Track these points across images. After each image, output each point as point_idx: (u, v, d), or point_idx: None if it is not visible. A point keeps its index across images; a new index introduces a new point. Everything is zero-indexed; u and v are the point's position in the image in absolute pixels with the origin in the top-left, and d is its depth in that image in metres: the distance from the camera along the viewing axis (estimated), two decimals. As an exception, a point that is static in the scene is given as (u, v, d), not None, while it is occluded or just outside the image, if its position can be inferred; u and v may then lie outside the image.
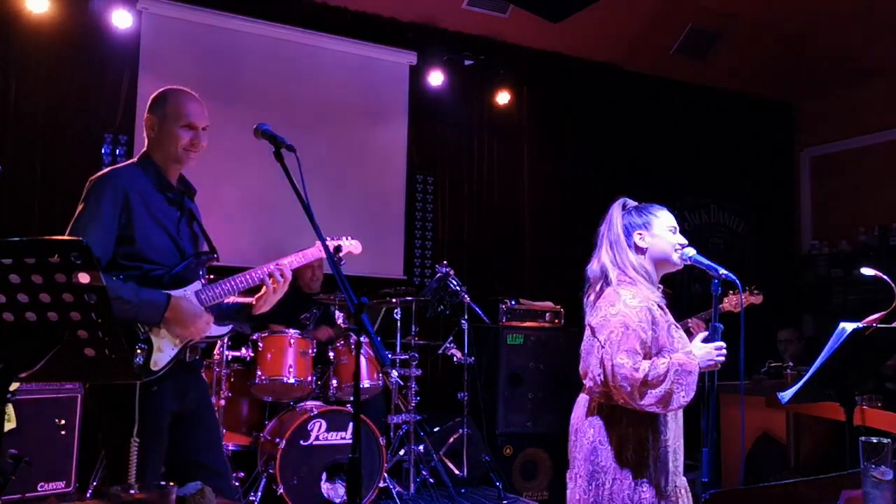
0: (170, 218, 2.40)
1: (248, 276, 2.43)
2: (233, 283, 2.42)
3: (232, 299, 2.53)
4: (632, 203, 2.50)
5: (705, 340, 2.25)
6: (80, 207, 2.30)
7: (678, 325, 2.42)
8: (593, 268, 2.43)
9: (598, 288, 2.40)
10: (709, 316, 3.98)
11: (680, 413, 2.35)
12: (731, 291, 3.95)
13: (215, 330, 2.45)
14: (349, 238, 2.94)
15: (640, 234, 2.38)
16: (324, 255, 2.60)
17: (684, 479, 2.37)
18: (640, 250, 2.38)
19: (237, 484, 4.05)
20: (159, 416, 2.29)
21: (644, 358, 2.20)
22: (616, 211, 2.46)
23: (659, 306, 2.32)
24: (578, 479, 2.32)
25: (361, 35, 5.86)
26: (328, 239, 2.79)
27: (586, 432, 2.34)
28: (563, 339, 5.54)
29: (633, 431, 2.28)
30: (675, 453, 2.32)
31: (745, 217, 7.66)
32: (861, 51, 6.66)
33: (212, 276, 2.54)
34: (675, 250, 2.36)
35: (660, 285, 2.44)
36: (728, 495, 1.88)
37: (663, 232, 2.37)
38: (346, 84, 5.85)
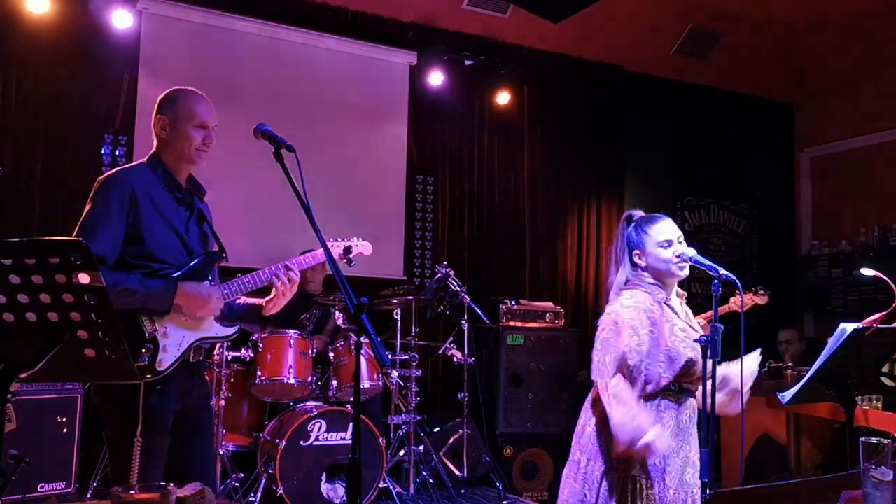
0: (178, 218, 2.40)
1: (256, 277, 2.43)
2: (241, 283, 2.42)
3: (242, 301, 2.54)
4: (638, 214, 2.58)
5: (705, 341, 2.25)
6: (87, 207, 2.30)
7: (690, 324, 2.47)
8: (609, 282, 2.58)
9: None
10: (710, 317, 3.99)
11: (677, 418, 2.39)
12: (737, 292, 3.99)
13: (222, 331, 2.46)
14: (360, 239, 2.93)
15: (638, 253, 2.50)
16: (333, 254, 2.61)
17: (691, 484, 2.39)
18: (640, 267, 2.50)
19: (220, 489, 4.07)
20: (163, 417, 2.29)
21: (640, 356, 2.32)
22: (621, 227, 2.58)
23: (668, 305, 2.42)
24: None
25: (362, 35, 5.86)
26: (339, 239, 2.81)
27: (583, 419, 2.50)
28: (564, 340, 5.54)
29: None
30: (664, 459, 2.35)
31: (745, 217, 7.66)
32: (861, 51, 6.66)
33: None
34: (672, 264, 2.44)
35: (678, 289, 2.55)
36: (728, 495, 1.88)
37: (655, 250, 2.46)
38: (346, 84, 5.85)
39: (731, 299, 4.06)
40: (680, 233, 2.50)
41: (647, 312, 2.38)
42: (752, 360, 2.42)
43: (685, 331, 2.41)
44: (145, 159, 2.45)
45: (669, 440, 2.30)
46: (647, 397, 2.39)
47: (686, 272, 2.45)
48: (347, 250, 2.78)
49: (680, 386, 2.40)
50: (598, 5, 5.42)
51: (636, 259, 2.49)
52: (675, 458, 2.37)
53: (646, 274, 2.48)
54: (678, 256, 2.42)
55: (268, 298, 2.49)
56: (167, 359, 2.27)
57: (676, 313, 2.45)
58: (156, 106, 2.46)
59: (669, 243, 2.44)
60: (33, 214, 4.86)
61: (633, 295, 2.42)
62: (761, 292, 4.14)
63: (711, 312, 4.06)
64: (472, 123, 6.38)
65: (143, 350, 2.21)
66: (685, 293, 2.62)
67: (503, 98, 6.33)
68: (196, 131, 2.40)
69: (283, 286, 2.42)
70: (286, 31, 5.62)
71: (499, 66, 6.28)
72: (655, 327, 2.36)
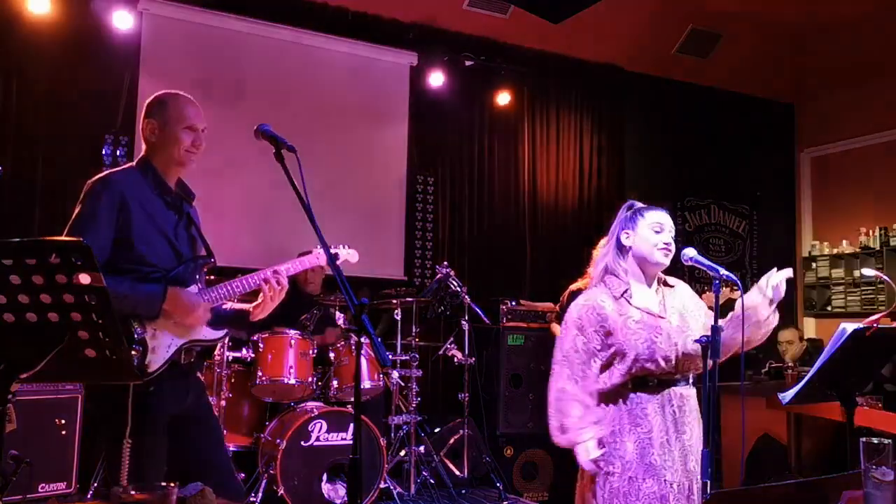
0: (167, 222, 2.40)
1: (245, 282, 2.43)
2: (230, 287, 2.42)
3: (229, 305, 2.53)
4: (639, 205, 2.58)
5: (705, 341, 2.24)
6: (77, 209, 2.31)
7: (658, 314, 2.44)
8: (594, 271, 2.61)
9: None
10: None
11: (663, 410, 2.39)
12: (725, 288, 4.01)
13: (211, 334, 2.45)
14: (346, 247, 3.00)
15: (627, 233, 2.50)
16: (321, 262, 2.63)
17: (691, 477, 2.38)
18: (625, 249, 2.50)
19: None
20: (155, 418, 2.29)
21: (587, 354, 2.42)
22: (620, 213, 2.58)
23: (626, 299, 2.43)
24: None
25: (362, 36, 5.86)
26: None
27: None
28: (564, 340, 5.54)
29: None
30: (661, 455, 2.35)
31: (746, 217, 7.66)
32: (861, 51, 6.66)
33: (212, 277, 2.54)
34: (658, 249, 2.44)
35: (662, 278, 2.54)
36: (728, 496, 1.88)
37: (645, 231, 2.47)
38: (346, 85, 5.85)
39: (704, 295, 4.06)
40: (673, 227, 2.51)
41: (596, 309, 2.42)
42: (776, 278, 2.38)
43: (640, 322, 2.39)
44: (134, 163, 2.46)
45: (597, 452, 2.37)
46: (621, 391, 2.40)
47: (667, 261, 2.46)
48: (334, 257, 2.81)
49: (658, 378, 2.39)
50: (598, 5, 5.42)
51: (623, 238, 2.49)
52: (670, 451, 2.36)
53: (623, 262, 2.48)
54: (665, 244, 2.44)
55: (255, 304, 2.49)
56: (156, 360, 2.27)
57: (638, 307, 2.42)
58: (144, 110, 2.47)
59: (661, 227, 2.46)
60: (34, 215, 4.86)
61: (587, 297, 2.48)
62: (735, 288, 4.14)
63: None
64: (472, 123, 6.38)
65: (133, 352, 2.22)
66: (672, 286, 2.58)
67: (503, 98, 6.33)
68: (185, 134, 2.41)
69: (270, 291, 2.42)
70: (287, 31, 5.63)
71: (499, 66, 6.28)
72: (606, 323, 2.40)
